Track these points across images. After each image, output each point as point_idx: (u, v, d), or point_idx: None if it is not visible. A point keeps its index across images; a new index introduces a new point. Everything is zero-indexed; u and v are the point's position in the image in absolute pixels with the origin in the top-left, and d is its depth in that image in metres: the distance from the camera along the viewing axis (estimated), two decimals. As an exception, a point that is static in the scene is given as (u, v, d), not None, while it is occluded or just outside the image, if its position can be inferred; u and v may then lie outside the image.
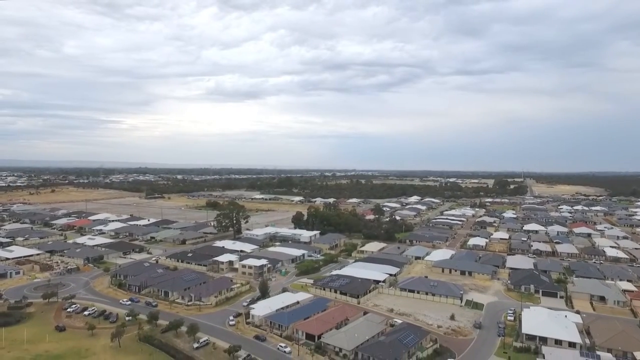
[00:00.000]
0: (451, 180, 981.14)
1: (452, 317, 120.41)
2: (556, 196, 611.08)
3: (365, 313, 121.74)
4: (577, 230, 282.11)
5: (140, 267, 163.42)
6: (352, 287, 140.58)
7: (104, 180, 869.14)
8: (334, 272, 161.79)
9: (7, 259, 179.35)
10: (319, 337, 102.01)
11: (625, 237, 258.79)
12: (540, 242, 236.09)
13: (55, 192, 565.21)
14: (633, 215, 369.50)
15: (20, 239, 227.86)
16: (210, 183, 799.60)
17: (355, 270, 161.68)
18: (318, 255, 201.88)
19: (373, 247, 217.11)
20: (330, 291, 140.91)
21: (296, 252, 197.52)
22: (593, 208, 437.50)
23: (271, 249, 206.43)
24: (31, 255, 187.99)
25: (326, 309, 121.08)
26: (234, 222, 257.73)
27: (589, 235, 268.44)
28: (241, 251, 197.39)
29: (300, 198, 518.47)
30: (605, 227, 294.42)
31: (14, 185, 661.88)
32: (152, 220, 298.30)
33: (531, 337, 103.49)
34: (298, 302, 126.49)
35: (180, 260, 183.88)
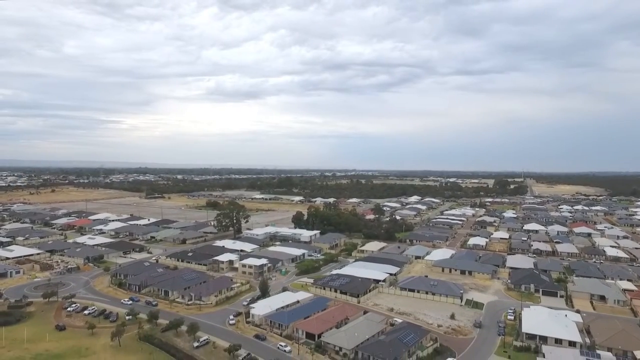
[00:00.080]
0: (451, 180, 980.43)
1: (452, 317, 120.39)
2: (556, 196, 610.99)
3: (365, 312, 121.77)
4: (577, 229, 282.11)
5: (140, 267, 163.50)
6: (352, 287, 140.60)
7: (104, 180, 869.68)
8: (334, 272, 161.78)
9: (8, 258, 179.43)
10: (319, 336, 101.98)
11: (625, 237, 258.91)
12: (540, 241, 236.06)
13: (56, 192, 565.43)
14: (633, 215, 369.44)
15: (21, 238, 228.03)
16: (210, 183, 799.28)
17: (356, 269, 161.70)
18: (318, 255, 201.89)
19: (373, 246, 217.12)
20: (331, 290, 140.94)
21: (296, 251, 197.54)
22: (593, 208, 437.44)
23: (271, 248, 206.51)
24: (31, 255, 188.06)
25: (326, 308, 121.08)
26: (234, 221, 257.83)
27: (589, 234, 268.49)
28: (241, 251, 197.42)
29: (301, 198, 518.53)
30: (605, 227, 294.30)
31: (14, 185, 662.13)
32: (152, 220, 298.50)
33: (531, 336, 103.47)
34: (298, 302, 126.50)
35: (180, 260, 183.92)
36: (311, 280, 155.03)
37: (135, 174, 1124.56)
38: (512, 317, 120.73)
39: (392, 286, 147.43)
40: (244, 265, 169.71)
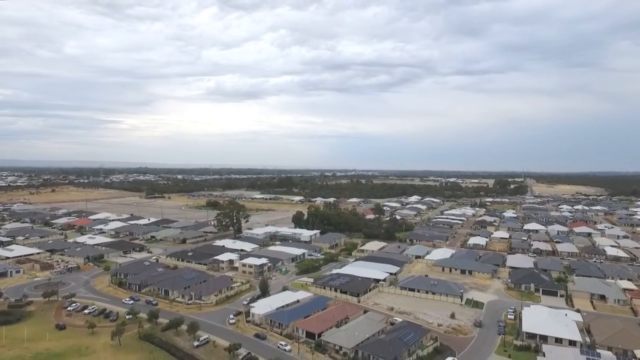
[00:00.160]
0: (451, 180, 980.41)
1: (453, 316, 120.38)
2: (556, 196, 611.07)
3: (365, 311, 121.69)
4: (577, 229, 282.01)
5: (140, 266, 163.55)
6: (353, 286, 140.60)
7: (104, 180, 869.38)
8: (334, 271, 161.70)
9: (8, 257, 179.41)
10: (319, 335, 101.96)
11: (625, 237, 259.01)
12: (540, 241, 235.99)
13: (56, 192, 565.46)
14: (633, 214, 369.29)
15: (21, 238, 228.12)
16: (210, 183, 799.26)
17: (356, 269, 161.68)
18: (318, 254, 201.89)
19: (373, 246, 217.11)
20: (331, 290, 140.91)
21: (296, 251, 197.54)
22: (593, 207, 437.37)
23: (271, 248, 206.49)
24: (31, 254, 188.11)
25: (326, 308, 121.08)
26: (234, 221, 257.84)
27: (590, 234, 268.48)
28: (241, 250, 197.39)
29: (301, 198, 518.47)
30: (605, 227, 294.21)
31: (14, 185, 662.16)
32: (153, 220, 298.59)
33: (531, 336, 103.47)
34: (298, 301, 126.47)
35: (180, 259, 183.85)
36: (311, 280, 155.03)
37: (136, 174, 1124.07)
38: (513, 317, 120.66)
39: (392, 285, 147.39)
40: (244, 265, 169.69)
